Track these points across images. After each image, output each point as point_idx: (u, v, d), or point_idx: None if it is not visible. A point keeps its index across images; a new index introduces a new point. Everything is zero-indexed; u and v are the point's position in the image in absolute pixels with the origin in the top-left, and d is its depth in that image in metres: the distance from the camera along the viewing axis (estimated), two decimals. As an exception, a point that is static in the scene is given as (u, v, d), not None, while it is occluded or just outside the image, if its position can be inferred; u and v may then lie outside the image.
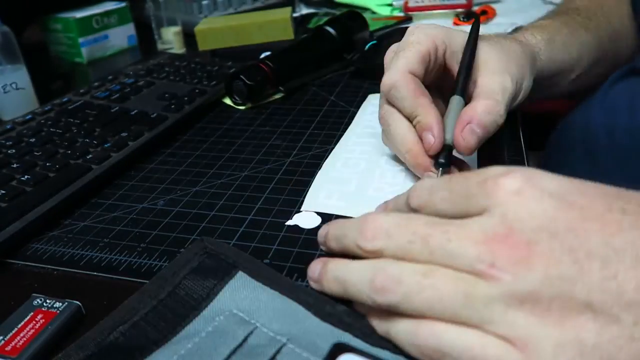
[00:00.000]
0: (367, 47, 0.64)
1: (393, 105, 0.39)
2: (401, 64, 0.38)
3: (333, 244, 0.30)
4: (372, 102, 0.55)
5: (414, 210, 0.27)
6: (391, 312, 0.24)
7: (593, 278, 0.20)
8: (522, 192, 0.23)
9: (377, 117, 0.42)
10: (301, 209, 0.38)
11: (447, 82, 0.40)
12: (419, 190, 0.27)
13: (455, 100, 0.37)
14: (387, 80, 0.38)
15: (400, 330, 0.24)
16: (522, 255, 0.21)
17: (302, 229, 0.35)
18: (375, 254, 0.26)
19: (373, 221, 0.26)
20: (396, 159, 0.43)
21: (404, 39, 0.40)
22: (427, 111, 0.36)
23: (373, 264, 0.25)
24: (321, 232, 0.31)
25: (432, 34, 0.40)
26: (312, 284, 0.29)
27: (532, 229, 0.22)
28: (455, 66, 0.40)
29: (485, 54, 0.40)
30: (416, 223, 0.25)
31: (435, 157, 0.37)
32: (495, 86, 0.38)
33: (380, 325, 0.25)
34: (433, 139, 0.36)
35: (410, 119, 0.38)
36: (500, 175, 0.24)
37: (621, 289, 0.20)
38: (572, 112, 0.57)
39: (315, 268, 0.29)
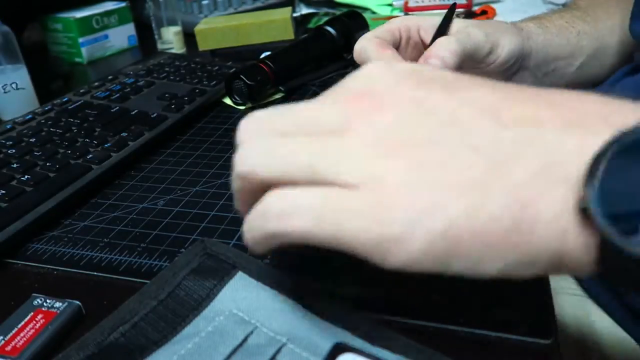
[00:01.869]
0: (367, 47, 0.64)
1: None
2: (368, 34, 0.43)
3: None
4: None
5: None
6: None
7: (437, 121, 0.22)
8: (374, 69, 0.25)
9: None
10: None
11: None
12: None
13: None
14: (356, 47, 0.43)
15: (252, 214, 0.23)
16: (371, 106, 0.23)
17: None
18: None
19: (248, 116, 0.25)
20: None
21: None
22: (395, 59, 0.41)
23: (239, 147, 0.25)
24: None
25: (404, 17, 0.45)
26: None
27: (381, 89, 0.24)
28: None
29: (458, 23, 0.44)
30: (289, 106, 0.25)
31: None
32: (455, 26, 0.43)
33: (247, 233, 0.24)
34: None
35: None
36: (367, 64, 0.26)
37: (464, 127, 0.21)
38: None
39: None
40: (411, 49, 0.45)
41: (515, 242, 0.20)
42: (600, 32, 0.54)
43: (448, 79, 0.24)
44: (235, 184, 0.25)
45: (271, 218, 0.22)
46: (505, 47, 0.44)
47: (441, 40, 0.41)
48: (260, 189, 0.23)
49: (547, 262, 0.20)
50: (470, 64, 0.43)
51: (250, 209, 0.24)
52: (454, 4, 0.47)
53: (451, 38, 0.41)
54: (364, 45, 0.42)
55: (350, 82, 0.25)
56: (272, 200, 0.23)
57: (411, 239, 0.20)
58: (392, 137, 0.22)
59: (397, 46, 0.44)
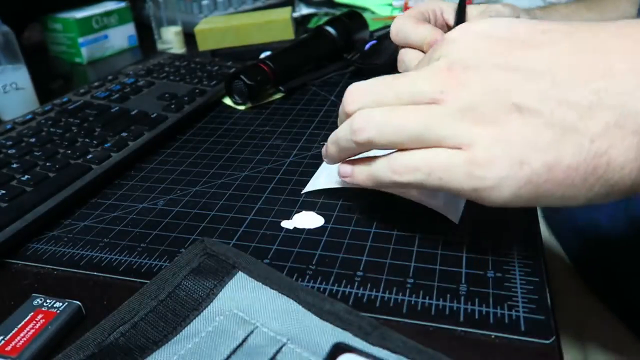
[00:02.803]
0: (367, 47, 0.64)
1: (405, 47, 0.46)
2: (403, 15, 0.47)
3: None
4: None
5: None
6: (371, 158, 0.31)
7: (517, 85, 0.25)
8: (458, 38, 0.29)
9: None
10: (301, 192, 0.40)
11: None
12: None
13: None
14: (392, 29, 0.46)
15: (379, 166, 0.30)
16: (461, 79, 0.27)
17: (302, 229, 0.35)
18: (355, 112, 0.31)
19: (353, 87, 0.31)
20: None
21: None
22: (432, 31, 0.44)
23: (352, 116, 0.30)
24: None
25: (429, 0, 0.49)
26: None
27: (466, 60, 0.27)
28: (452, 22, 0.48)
29: (477, 8, 0.48)
30: (386, 78, 0.31)
31: None
32: (474, 12, 0.46)
33: (362, 175, 0.31)
34: None
35: (421, 49, 0.45)
36: (450, 32, 0.30)
37: (541, 89, 0.25)
38: None
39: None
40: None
41: (591, 184, 0.24)
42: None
43: (522, 36, 0.27)
44: (346, 144, 0.31)
45: (390, 175, 0.29)
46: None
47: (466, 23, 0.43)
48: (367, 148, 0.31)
49: (622, 194, 0.25)
50: None
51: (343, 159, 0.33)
52: None
53: (476, 18, 0.45)
54: (401, 23, 0.46)
55: (438, 51, 0.29)
56: (391, 160, 0.29)
57: (501, 189, 0.26)
58: (480, 106, 0.26)
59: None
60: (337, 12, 0.89)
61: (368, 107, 0.30)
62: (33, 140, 0.46)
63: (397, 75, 0.30)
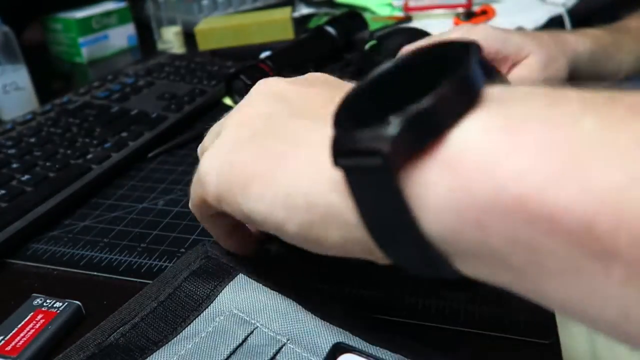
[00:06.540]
0: (367, 47, 0.64)
1: None
2: None
3: None
4: None
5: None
6: None
7: (268, 130, 0.27)
8: (254, 88, 0.31)
9: None
10: None
11: None
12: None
13: None
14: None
15: None
16: (237, 119, 0.30)
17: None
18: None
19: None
20: None
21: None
22: None
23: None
24: None
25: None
26: None
27: (249, 106, 0.30)
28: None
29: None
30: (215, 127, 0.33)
31: None
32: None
33: None
34: None
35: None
36: None
37: (274, 131, 0.27)
38: None
39: None
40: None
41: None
42: None
43: (296, 90, 0.31)
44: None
45: None
46: (556, 68, 0.48)
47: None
48: None
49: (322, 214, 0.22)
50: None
51: None
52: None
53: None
54: None
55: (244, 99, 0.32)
56: None
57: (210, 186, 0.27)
58: (235, 139, 0.28)
59: None
60: (337, 12, 0.88)
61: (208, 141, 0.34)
62: (33, 140, 0.46)
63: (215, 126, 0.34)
